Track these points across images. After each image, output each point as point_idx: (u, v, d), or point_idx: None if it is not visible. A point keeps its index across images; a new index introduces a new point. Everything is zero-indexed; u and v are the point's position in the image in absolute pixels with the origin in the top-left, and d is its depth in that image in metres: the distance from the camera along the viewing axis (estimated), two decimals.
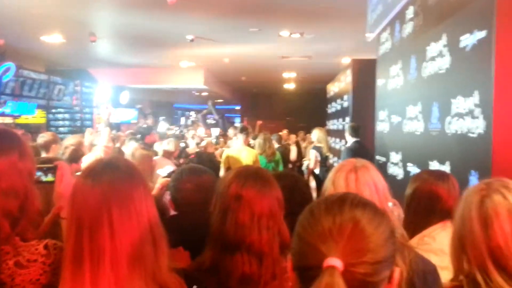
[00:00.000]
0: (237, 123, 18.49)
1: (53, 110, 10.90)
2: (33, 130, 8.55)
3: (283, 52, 9.18)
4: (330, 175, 1.60)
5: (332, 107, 11.05)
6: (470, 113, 2.76)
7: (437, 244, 1.69)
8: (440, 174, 2.01)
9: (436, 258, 1.56)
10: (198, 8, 5.98)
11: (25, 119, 9.74)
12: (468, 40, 2.83)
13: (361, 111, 7.60)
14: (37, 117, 10.26)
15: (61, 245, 1.24)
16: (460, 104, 2.93)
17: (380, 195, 1.52)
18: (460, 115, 2.93)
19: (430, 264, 1.48)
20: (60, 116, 11.07)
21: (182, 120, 16.25)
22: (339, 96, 9.84)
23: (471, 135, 2.74)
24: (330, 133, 9.88)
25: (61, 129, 10.78)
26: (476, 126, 2.66)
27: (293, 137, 11.19)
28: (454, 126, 3.02)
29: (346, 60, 9.80)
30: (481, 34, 2.63)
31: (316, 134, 7.39)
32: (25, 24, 6.86)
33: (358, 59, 8.30)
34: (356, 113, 7.86)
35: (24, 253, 1.21)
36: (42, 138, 4.23)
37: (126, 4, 5.86)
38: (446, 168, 3.15)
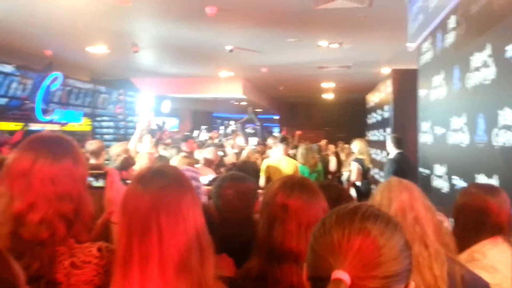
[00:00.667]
0: (276, 132, 18.53)
1: (98, 118, 11.26)
2: (80, 137, 8.87)
3: (321, 61, 9.15)
4: (381, 193, 1.58)
5: (372, 118, 10.88)
6: None
7: (487, 261, 1.63)
8: (490, 188, 1.95)
9: (487, 275, 1.50)
10: (237, 19, 6.06)
11: (71, 126, 10.12)
12: None
13: (402, 122, 7.46)
14: (83, 125, 10.65)
15: (113, 248, 1.29)
16: (507, 115, 2.83)
17: (432, 210, 1.51)
18: (507, 127, 2.83)
19: (483, 281, 1.43)
20: (104, 124, 11.43)
21: (221, 129, 16.44)
22: (379, 106, 9.69)
23: None
24: (370, 144, 9.73)
25: (106, 136, 11.12)
26: None
27: (332, 147, 11.11)
28: (502, 138, 2.92)
29: (386, 70, 9.66)
30: None
31: (357, 146, 7.30)
32: (71, 36, 7.15)
33: (398, 69, 8.17)
34: (398, 124, 7.71)
35: (78, 254, 1.26)
36: (92, 145, 4.40)
37: (167, 16, 6.02)
38: (494, 181, 3.05)
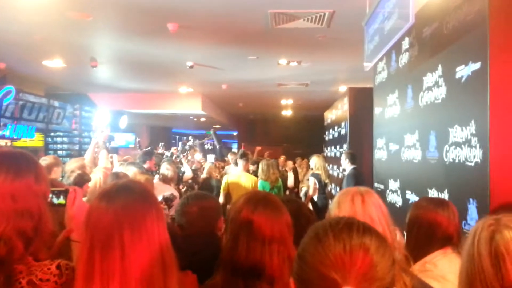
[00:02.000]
0: (234, 148, 18.55)
1: (52, 134, 10.90)
2: (32, 153, 8.54)
3: (281, 79, 9.31)
4: (336, 198, 1.65)
5: (330, 134, 11.15)
6: (467, 142, 2.83)
7: (438, 271, 1.71)
8: (439, 202, 2.05)
9: (437, 284, 1.58)
10: (198, 36, 6.10)
11: (23, 142, 9.75)
12: (463, 71, 2.92)
13: (358, 138, 7.71)
14: (35, 140, 10.26)
15: (72, 265, 1.27)
16: (457, 133, 3.00)
17: (386, 217, 1.57)
18: (457, 144, 3.00)
19: None
20: (59, 139, 11.06)
21: (180, 146, 16.31)
22: (336, 123, 9.96)
23: (468, 163, 2.80)
24: (327, 160, 9.93)
25: (60, 152, 10.75)
26: (474, 155, 2.72)
27: (290, 163, 11.24)
28: (452, 154, 3.09)
29: (343, 88, 9.95)
30: (476, 66, 2.73)
31: (314, 161, 7.43)
32: (27, 48, 6.94)
33: (354, 87, 8.45)
34: (354, 140, 7.96)
35: (37, 272, 1.23)
36: (44, 161, 4.27)
37: (128, 31, 5.97)
38: (445, 196, 3.20)
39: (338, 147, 9.50)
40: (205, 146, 13.99)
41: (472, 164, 2.74)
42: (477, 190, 2.66)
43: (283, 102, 13.24)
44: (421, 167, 3.78)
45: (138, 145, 12.43)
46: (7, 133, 8.65)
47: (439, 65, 3.37)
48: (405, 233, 2.08)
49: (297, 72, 8.50)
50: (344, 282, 0.80)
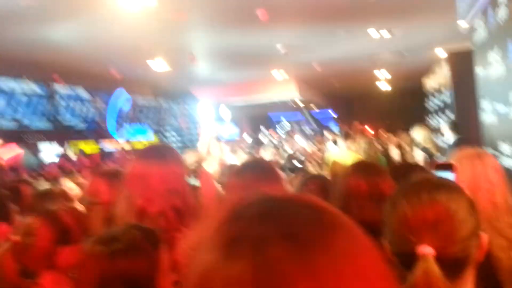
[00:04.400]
0: (333, 128, 18.51)
1: (163, 131, 11.90)
2: None
3: (373, 51, 9.16)
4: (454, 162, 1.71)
5: (431, 103, 10.70)
6: None
7: None
8: None
9: None
10: (287, 19, 6.28)
11: (139, 143, 10.79)
12: None
13: (463, 104, 7.34)
14: (151, 141, 11.31)
15: None
16: None
17: (505, 181, 1.62)
18: None
19: None
20: (169, 135, 12.04)
21: (278, 130, 16.75)
22: (437, 90, 9.53)
23: None
24: (432, 130, 9.58)
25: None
26: None
27: (393, 138, 10.97)
28: None
29: (441, 52, 9.47)
30: None
31: (419, 134, 7.14)
32: (133, 54, 7.69)
33: (453, 49, 8.01)
34: (459, 106, 7.59)
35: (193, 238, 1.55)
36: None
37: (221, 25, 6.36)
38: None
39: (442, 115, 9.11)
40: (303, 129, 14.24)
41: None
42: None
43: (378, 75, 12.94)
44: None
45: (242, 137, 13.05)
46: (127, 134, 9.67)
47: None
48: None
49: (389, 42, 8.30)
50: (419, 241, 0.81)
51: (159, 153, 1.64)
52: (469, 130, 6.45)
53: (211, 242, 0.44)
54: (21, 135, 7.34)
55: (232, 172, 1.52)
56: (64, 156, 8.13)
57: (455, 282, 0.83)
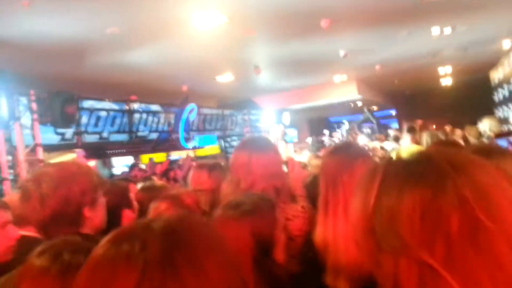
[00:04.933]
0: (393, 128, 18.26)
1: (228, 139, 12.40)
2: (211, 159, 9.94)
3: (436, 48, 9.09)
4: None
5: (500, 94, 10.42)
6: None
7: None
8: None
9: None
10: (349, 25, 6.48)
11: (203, 151, 11.32)
12: None
13: None
14: (213, 148, 11.82)
15: (310, 206, 1.86)
16: None
17: None
18: None
19: None
20: (234, 143, 12.51)
21: (338, 133, 16.82)
22: (506, 81, 9.30)
23: None
24: (501, 121, 9.36)
25: None
26: None
27: (458, 131, 10.77)
28: None
29: (507, 43, 9.24)
30: None
31: (487, 124, 7.10)
32: (203, 70, 8.22)
33: None
34: None
35: (288, 211, 1.85)
36: None
37: (285, 36, 6.67)
38: None
39: (510, 105, 8.89)
40: (364, 129, 14.23)
41: None
42: None
43: (441, 71, 12.71)
44: None
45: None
46: (196, 143, 10.23)
47: None
48: None
49: (452, 38, 8.24)
50: None
51: (259, 144, 1.97)
52: None
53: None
54: (102, 147, 8.05)
55: (327, 153, 1.79)
56: (136, 166, 8.78)
57: None
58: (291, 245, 1.73)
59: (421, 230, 0.65)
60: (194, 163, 6.64)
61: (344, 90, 12.47)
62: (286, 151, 6.04)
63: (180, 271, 0.58)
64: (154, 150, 8.94)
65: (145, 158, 10.26)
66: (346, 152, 1.73)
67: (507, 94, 9.27)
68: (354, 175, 1.71)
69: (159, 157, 9.75)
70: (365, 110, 13.47)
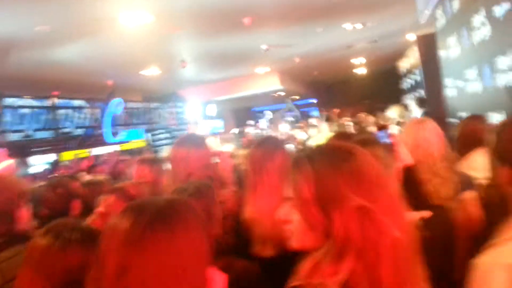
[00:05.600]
0: (315, 115, 19.25)
1: (155, 132, 12.44)
2: (135, 153, 9.93)
3: (349, 42, 9.81)
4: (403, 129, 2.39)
5: (406, 83, 11.46)
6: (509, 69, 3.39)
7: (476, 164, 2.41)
8: (477, 117, 2.72)
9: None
10: (270, 23, 6.91)
11: (128, 145, 11.24)
12: (498, 10, 3.45)
13: (430, 82, 8.07)
14: (138, 142, 11.76)
15: (237, 190, 2.21)
16: (503, 62, 3.55)
17: (442, 140, 2.30)
18: (503, 71, 3.54)
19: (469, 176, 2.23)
20: (161, 136, 12.57)
21: (262, 123, 17.41)
22: (409, 71, 10.28)
23: None
24: (406, 108, 10.31)
25: (163, 147, 12.24)
26: None
27: (370, 118, 11.71)
28: (502, 80, 3.64)
29: (412, 37, 10.19)
30: (507, 5, 3.26)
31: (395, 111, 7.92)
32: (129, 65, 8.26)
33: (421, 35, 8.73)
34: (428, 85, 8.33)
35: (221, 194, 2.17)
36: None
37: (209, 32, 6.95)
38: (503, 116, 3.76)
39: (414, 93, 9.85)
40: (287, 118, 14.95)
41: None
42: None
43: (356, 61, 13.62)
44: (482, 96, 4.32)
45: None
46: (122, 138, 10.21)
47: (481, 7, 3.89)
48: None
49: (363, 33, 8.97)
50: None
51: (194, 140, 2.27)
52: (436, 105, 7.19)
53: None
54: (25, 145, 7.84)
55: (253, 145, 2.13)
56: (58, 163, 8.56)
57: None
58: (225, 223, 2.06)
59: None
60: (120, 158, 6.74)
61: (267, 81, 12.97)
62: (215, 144, 6.34)
63: (173, 225, 0.88)
64: (80, 146, 8.83)
65: (66, 155, 10.05)
66: (269, 145, 2.09)
67: (409, 84, 10.24)
68: (275, 163, 2.07)
69: (82, 153, 9.60)
70: (288, 100, 14.11)
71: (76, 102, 8.77)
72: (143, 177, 2.65)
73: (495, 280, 1.05)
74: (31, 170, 9.11)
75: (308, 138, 8.21)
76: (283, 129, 11.60)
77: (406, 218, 0.98)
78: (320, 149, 1.09)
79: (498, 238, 1.16)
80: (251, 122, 13.05)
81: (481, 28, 4.03)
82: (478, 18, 4.05)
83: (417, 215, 1.57)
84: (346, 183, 0.95)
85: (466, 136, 2.59)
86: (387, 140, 1.79)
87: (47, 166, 9.13)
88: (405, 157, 1.87)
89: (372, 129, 10.64)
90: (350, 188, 0.94)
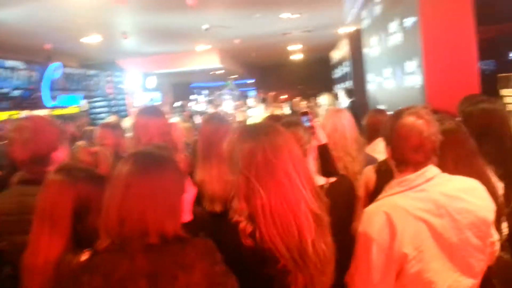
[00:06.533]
0: (252, 95, 19.91)
1: (92, 100, 12.38)
2: (68, 119, 9.91)
3: (286, 29, 10.41)
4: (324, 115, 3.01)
5: (337, 73, 12.35)
6: (414, 72, 4.14)
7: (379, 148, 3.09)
8: (380, 111, 3.42)
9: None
10: (211, 4, 7.31)
11: (61, 111, 11.08)
12: (408, 22, 4.18)
13: (357, 74, 8.94)
14: (72, 108, 11.60)
15: (188, 155, 2.71)
16: (409, 66, 4.30)
17: (353, 128, 2.94)
18: (410, 73, 4.30)
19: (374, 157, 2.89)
20: (98, 104, 12.55)
21: (201, 98, 17.73)
22: (340, 62, 11.13)
23: (416, 87, 4.12)
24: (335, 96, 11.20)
25: (100, 115, 12.27)
26: (417, 81, 4.04)
27: (303, 103, 12.53)
28: (408, 82, 4.40)
29: (343, 30, 11.01)
30: (413, 19, 3.98)
31: (324, 99, 8.68)
32: (69, 30, 8.27)
33: (351, 30, 9.55)
34: (356, 77, 9.19)
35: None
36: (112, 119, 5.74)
37: (154, 7, 7.22)
38: None
39: (346, 84, 10.74)
40: (225, 96, 15.47)
41: (418, 87, 4.06)
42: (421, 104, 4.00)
43: (292, 48, 14.28)
44: (394, 92, 5.10)
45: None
46: (59, 103, 10.16)
47: (396, 17, 4.61)
48: None
49: (299, 22, 9.59)
50: None
51: (154, 110, 2.73)
52: (361, 96, 8.04)
53: None
54: None
55: (204, 121, 2.64)
56: None
57: None
58: None
59: (247, 163, 1.49)
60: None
61: (207, 59, 13.31)
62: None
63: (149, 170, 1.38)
64: (16, 107, 8.74)
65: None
66: (216, 121, 2.61)
67: (341, 73, 11.10)
68: (221, 136, 2.59)
69: (15, 114, 9.44)
70: (230, 79, 14.58)
71: (13, 63, 8.62)
72: (105, 139, 3.06)
73: (376, 221, 1.57)
74: None
75: (246, 119, 8.78)
76: (225, 108, 12.08)
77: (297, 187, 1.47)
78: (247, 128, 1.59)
79: (381, 195, 1.76)
80: (192, 97, 13.39)
81: (394, 34, 4.77)
82: (393, 25, 4.78)
83: (324, 180, 2.14)
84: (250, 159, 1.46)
85: (371, 126, 3.26)
86: (308, 123, 2.32)
87: None
88: (322, 137, 2.41)
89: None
90: (253, 164, 1.45)
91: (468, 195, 1.54)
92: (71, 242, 1.53)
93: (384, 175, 2.13)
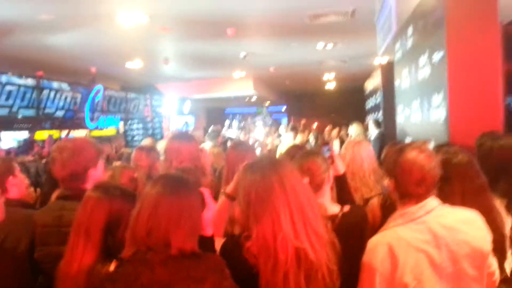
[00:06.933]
0: (284, 123, 20.12)
1: (129, 122, 12.87)
2: (106, 140, 10.26)
3: (321, 59, 10.63)
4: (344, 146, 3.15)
5: (369, 103, 12.40)
6: (440, 105, 4.20)
7: None
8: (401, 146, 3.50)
9: None
10: (250, 34, 7.59)
11: (98, 132, 11.52)
12: (437, 56, 4.27)
13: (388, 105, 8.98)
14: (109, 130, 12.03)
15: (214, 179, 2.88)
16: (436, 100, 4.36)
17: (372, 159, 3.05)
18: (436, 107, 4.36)
19: None
20: (135, 126, 13.01)
21: (234, 124, 18.06)
22: (374, 93, 11.20)
23: (440, 122, 4.17)
24: (366, 127, 11.22)
25: (136, 137, 12.71)
26: (441, 115, 4.10)
27: (334, 132, 12.64)
28: (434, 115, 4.45)
29: (378, 61, 11.12)
30: (441, 53, 4.07)
31: (354, 129, 8.76)
32: (114, 54, 8.77)
33: (384, 62, 9.65)
34: (386, 108, 9.23)
35: (202, 182, 2.85)
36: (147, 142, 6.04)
37: (193, 34, 7.57)
38: (432, 144, 4.57)
39: (375, 115, 10.77)
40: (257, 123, 15.74)
41: (441, 121, 4.12)
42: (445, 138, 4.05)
43: (326, 77, 14.47)
44: (420, 126, 5.15)
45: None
46: (100, 124, 10.63)
47: (427, 50, 4.70)
48: None
49: (334, 52, 9.79)
50: None
51: (186, 135, 2.95)
52: (391, 127, 8.05)
53: None
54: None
55: (230, 147, 2.82)
56: (33, 142, 8.86)
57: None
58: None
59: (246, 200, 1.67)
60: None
61: (241, 85, 13.64)
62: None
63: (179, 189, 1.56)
64: (59, 127, 9.22)
65: (39, 134, 10.37)
66: (241, 148, 2.79)
67: (372, 104, 11.15)
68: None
69: (55, 134, 9.91)
70: (263, 106, 14.87)
71: (59, 85, 9.16)
72: (140, 161, 3.29)
73: (379, 251, 1.70)
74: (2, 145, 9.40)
75: (275, 146, 8.97)
76: (257, 135, 12.28)
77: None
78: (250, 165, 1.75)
79: (384, 227, 1.87)
80: (227, 123, 13.74)
81: (424, 67, 4.86)
82: (423, 59, 4.87)
83: (338, 208, 2.26)
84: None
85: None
86: (328, 153, 2.45)
87: (18, 143, 9.39)
88: (340, 167, 2.53)
89: (335, 142, 11.56)
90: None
91: (466, 226, 1.63)
92: (102, 253, 1.71)
93: (387, 206, 2.24)
